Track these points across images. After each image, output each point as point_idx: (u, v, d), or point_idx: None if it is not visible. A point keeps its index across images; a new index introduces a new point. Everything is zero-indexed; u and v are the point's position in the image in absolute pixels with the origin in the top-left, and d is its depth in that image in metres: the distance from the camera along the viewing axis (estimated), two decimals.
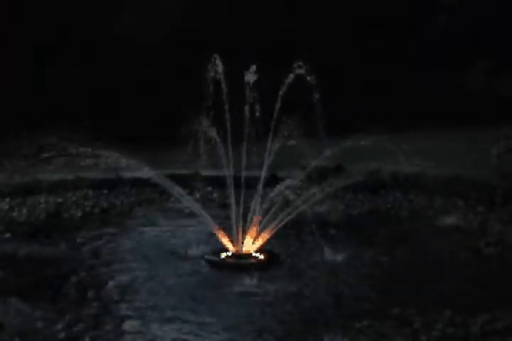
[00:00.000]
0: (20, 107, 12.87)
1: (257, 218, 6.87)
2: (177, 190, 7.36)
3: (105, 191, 9.50)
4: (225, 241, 6.96)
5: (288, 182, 6.98)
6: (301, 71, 7.00)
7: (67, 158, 8.20)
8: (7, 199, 8.94)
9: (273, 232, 6.91)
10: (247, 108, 7.01)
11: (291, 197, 7.01)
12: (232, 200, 7.05)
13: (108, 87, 13.25)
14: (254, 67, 7.09)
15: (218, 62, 7.15)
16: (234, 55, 7.82)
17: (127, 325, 5.35)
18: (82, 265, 6.79)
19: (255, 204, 6.94)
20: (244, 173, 7.14)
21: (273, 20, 14.31)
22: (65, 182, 9.73)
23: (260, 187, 7.01)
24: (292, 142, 6.94)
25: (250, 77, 7.06)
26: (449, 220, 8.17)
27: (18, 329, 5.13)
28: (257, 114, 7.00)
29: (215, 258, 6.83)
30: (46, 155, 8.75)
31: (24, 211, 8.60)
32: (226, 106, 7.04)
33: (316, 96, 6.99)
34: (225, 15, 14.32)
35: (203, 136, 7.01)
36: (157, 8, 14.49)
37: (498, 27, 14.96)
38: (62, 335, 5.09)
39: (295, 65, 7.05)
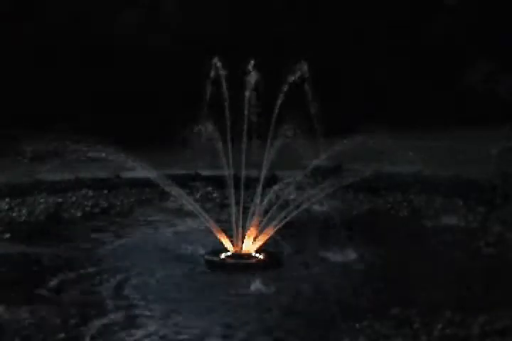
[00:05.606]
0: (20, 107, 12.87)
1: (256, 218, 6.86)
2: (177, 190, 7.36)
3: (105, 191, 9.50)
4: (225, 241, 6.95)
5: (286, 182, 6.98)
6: (301, 71, 7.00)
7: (67, 158, 8.19)
8: (7, 199, 8.93)
9: (273, 232, 6.90)
10: (246, 108, 7.01)
11: (291, 197, 7.01)
12: (232, 200, 7.05)
13: (108, 87, 13.26)
14: (254, 67, 7.09)
15: (218, 62, 7.15)
16: (234, 55, 7.81)
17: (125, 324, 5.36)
18: (76, 265, 6.79)
19: (255, 204, 6.93)
20: (244, 173, 7.14)
21: (273, 20, 14.32)
22: (65, 182, 9.72)
23: (260, 187, 7.01)
24: (292, 142, 6.94)
25: (250, 77, 7.06)
26: (449, 220, 8.17)
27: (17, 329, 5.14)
28: (257, 114, 6.99)
29: (214, 259, 6.82)
30: (46, 155, 8.75)
31: (24, 211, 8.59)
32: (226, 107, 7.04)
33: (316, 96, 6.98)
34: (225, 15, 14.33)
35: (203, 136, 7.01)
36: (157, 8, 14.51)
37: (498, 27, 14.97)
38: (62, 335, 5.08)
39: (295, 65, 7.05)
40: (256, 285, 6.13)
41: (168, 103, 12.97)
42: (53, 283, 6.23)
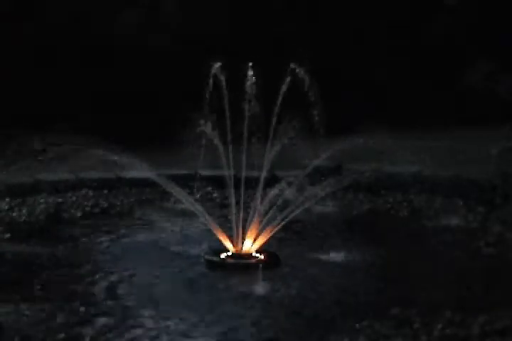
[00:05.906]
0: (21, 107, 12.86)
1: (257, 218, 6.86)
2: (177, 190, 7.35)
3: (105, 191, 9.49)
4: (225, 241, 6.95)
5: (286, 182, 6.98)
6: (301, 71, 7.00)
7: (67, 158, 8.19)
8: (7, 199, 8.92)
9: (273, 232, 6.89)
10: (246, 108, 7.01)
11: (291, 197, 7.00)
12: (233, 200, 7.05)
13: (108, 87, 13.25)
14: (254, 67, 7.09)
15: (218, 62, 7.15)
16: (234, 55, 7.82)
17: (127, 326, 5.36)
18: (76, 265, 6.78)
19: (255, 204, 6.93)
20: (244, 173, 7.14)
21: (273, 20, 14.31)
22: (65, 182, 9.71)
23: (260, 187, 7.01)
24: (292, 142, 6.94)
25: (250, 77, 7.05)
26: (449, 220, 8.17)
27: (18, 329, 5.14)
28: (257, 114, 6.99)
29: (214, 258, 6.82)
30: (46, 155, 8.75)
31: (24, 211, 8.58)
32: (226, 107, 7.03)
33: (316, 96, 6.98)
34: (225, 15, 14.32)
35: (203, 136, 7.01)
36: (157, 8, 14.50)
37: (498, 27, 14.97)
38: (62, 335, 5.08)
39: (295, 65, 7.05)
40: (256, 285, 6.13)
41: (168, 103, 12.96)
42: (53, 283, 6.23)
